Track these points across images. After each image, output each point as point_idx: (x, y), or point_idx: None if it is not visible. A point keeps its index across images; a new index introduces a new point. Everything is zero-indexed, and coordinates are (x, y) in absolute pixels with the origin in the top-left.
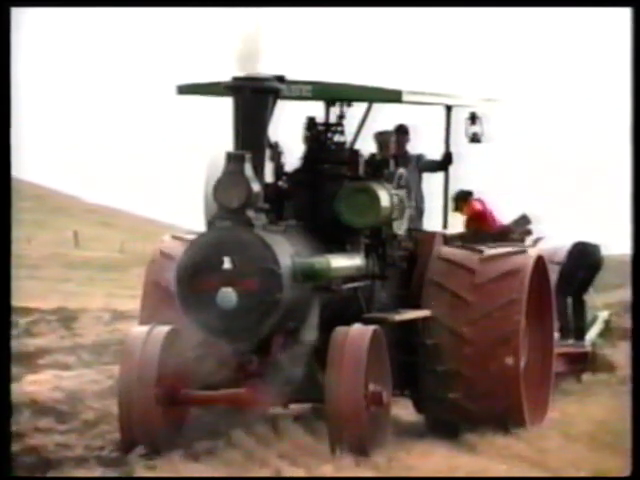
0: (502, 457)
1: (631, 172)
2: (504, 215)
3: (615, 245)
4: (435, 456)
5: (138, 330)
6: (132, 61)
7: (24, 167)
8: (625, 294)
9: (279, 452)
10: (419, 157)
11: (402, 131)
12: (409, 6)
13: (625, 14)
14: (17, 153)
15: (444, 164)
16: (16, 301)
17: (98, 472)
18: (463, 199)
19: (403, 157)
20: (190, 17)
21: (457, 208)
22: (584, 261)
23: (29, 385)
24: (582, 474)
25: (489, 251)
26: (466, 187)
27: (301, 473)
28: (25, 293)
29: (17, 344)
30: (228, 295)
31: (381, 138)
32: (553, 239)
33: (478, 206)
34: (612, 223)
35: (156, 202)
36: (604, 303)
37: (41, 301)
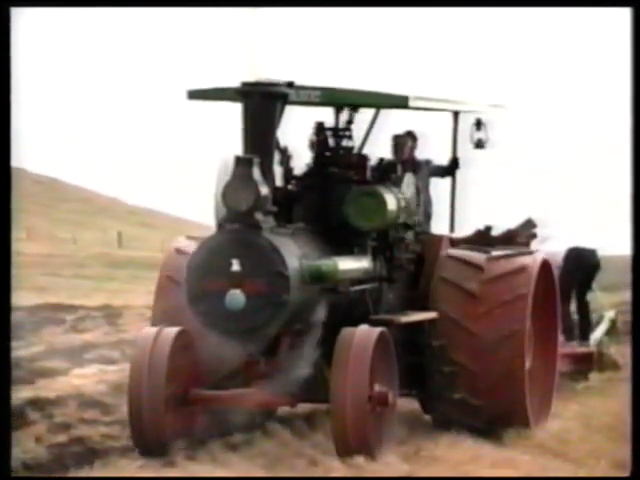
0: (526, 447)
1: (631, 172)
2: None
3: (623, 246)
4: (461, 447)
5: (148, 331)
6: (149, 62)
7: (70, 171)
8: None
9: (313, 442)
10: (427, 162)
11: (411, 137)
12: (412, 6)
13: (625, 14)
14: (63, 159)
15: (451, 169)
16: (63, 299)
17: (141, 462)
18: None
19: (413, 162)
20: (203, 20)
21: None
22: (580, 265)
23: (75, 378)
24: (602, 464)
25: (496, 252)
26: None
27: (335, 463)
28: (71, 291)
29: (64, 339)
30: (236, 296)
31: (398, 140)
32: (558, 240)
33: None
34: (619, 224)
35: (194, 203)
36: (611, 302)
37: (87, 299)
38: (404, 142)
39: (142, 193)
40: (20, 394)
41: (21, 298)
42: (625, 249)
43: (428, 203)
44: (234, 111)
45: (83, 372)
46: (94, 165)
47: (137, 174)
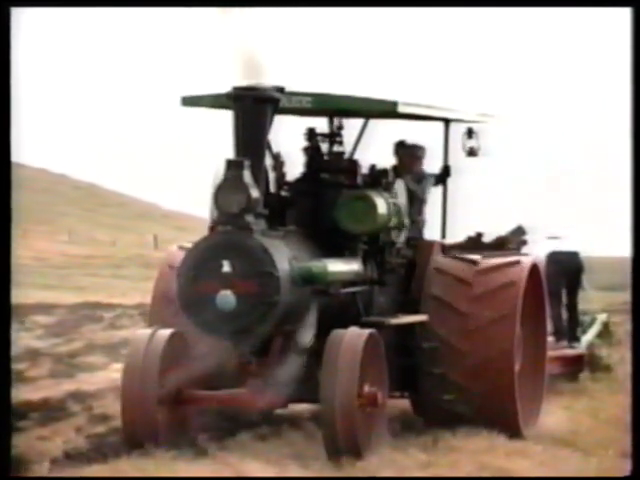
0: (538, 438)
1: (631, 172)
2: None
3: (617, 248)
4: (477, 437)
5: (141, 332)
6: (159, 61)
7: (109, 178)
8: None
9: None
10: (424, 173)
11: (420, 149)
12: (410, 5)
13: (625, 14)
14: (102, 166)
15: (442, 177)
16: (102, 298)
17: (174, 451)
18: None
19: (419, 173)
20: (205, 20)
21: None
22: (561, 269)
23: (114, 372)
24: (610, 453)
25: (484, 263)
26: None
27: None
28: (110, 290)
29: (103, 336)
30: (227, 297)
31: (415, 151)
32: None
33: None
34: (613, 226)
35: None
36: (604, 304)
37: (124, 297)
38: (420, 153)
39: (177, 198)
40: (61, 387)
41: (63, 297)
42: (618, 251)
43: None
44: None
45: (121, 367)
46: (133, 172)
47: (173, 180)
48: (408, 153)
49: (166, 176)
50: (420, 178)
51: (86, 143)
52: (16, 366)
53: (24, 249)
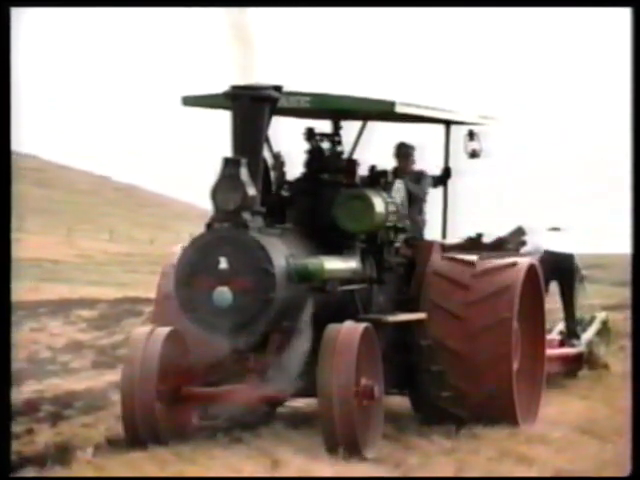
0: (556, 425)
1: (631, 173)
2: (502, 228)
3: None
4: (499, 425)
5: (141, 330)
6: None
7: (148, 180)
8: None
9: None
10: (421, 173)
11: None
12: (409, 5)
13: (625, 14)
14: (142, 168)
15: (443, 179)
16: (141, 293)
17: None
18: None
19: (415, 173)
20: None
21: None
22: (555, 269)
23: None
24: (624, 440)
25: (482, 265)
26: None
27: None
28: (148, 286)
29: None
30: (224, 294)
31: (405, 150)
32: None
33: None
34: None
35: None
36: (620, 299)
37: None
38: (411, 152)
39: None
40: (104, 378)
41: (104, 292)
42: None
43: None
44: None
45: None
46: (170, 173)
47: (208, 182)
48: (400, 153)
49: (202, 178)
50: (418, 178)
51: (127, 146)
52: (61, 357)
53: (68, 248)
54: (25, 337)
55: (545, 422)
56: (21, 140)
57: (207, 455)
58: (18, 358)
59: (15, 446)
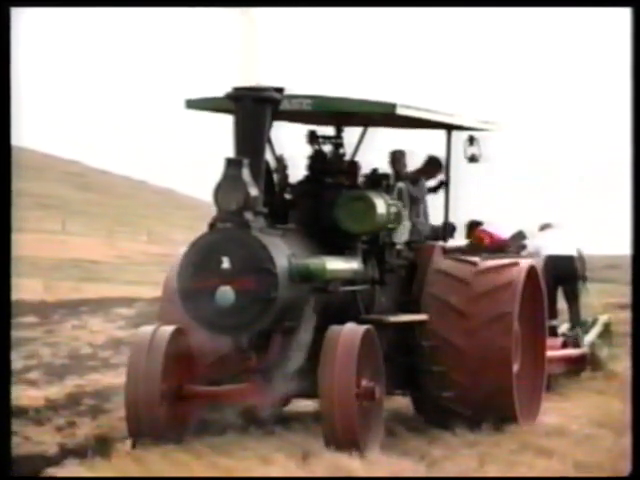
0: (575, 418)
1: (631, 173)
2: (504, 232)
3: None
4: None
5: (145, 329)
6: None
7: (185, 184)
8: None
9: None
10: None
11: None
12: (409, 5)
13: (625, 14)
14: (178, 173)
15: (438, 189)
16: None
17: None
18: (473, 228)
19: (408, 176)
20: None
21: (469, 236)
22: (557, 273)
23: None
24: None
25: (483, 264)
26: (473, 213)
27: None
28: None
29: None
30: (226, 293)
31: (395, 155)
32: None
33: (484, 234)
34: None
35: None
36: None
37: None
38: (400, 156)
39: None
40: None
41: (142, 291)
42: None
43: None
44: None
45: None
46: (205, 178)
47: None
48: (391, 159)
49: None
50: (416, 180)
51: (163, 152)
52: (101, 354)
53: (108, 249)
54: (67, 334)
55: (563, 416)
56: (64, 146)
57: (240, 446)
58: (60, 354)
59: (57, 438)
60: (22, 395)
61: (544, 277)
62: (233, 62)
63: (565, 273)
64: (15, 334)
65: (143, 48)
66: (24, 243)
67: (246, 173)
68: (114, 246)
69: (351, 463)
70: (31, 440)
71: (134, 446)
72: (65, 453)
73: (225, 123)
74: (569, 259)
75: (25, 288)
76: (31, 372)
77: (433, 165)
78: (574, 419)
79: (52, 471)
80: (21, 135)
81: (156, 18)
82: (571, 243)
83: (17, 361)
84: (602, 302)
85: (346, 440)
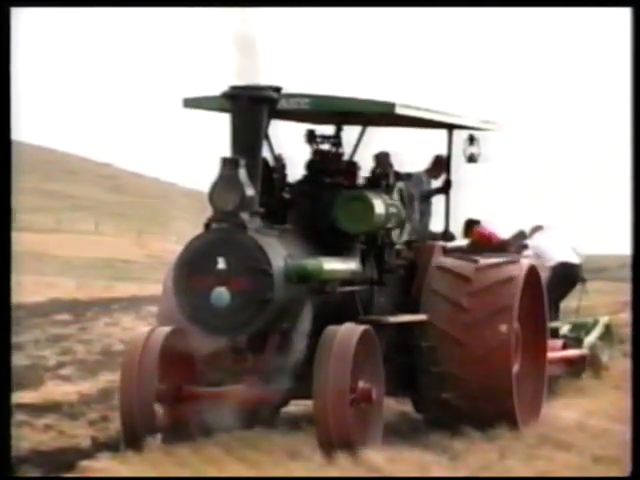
0: (590, 413)
1: (631, 173)
2: (504, 232)
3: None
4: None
5: (140, 330)
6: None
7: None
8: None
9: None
10: (418, 177)
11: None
12: (409, 5)
13: (625, 14)
14: (207, 175)
15: (444, 190)
16: None
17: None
18: (471, 226)
19: (399, 176)
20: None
21: (466, 234)
22: (566, 280)
23: None
24: None
25: (484, 261)
26: (473, 213)
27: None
28: None
29: None
30: (222, 294)
31: (379, 158)
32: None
33: (484, 232)
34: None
35: None
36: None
37: None
38: (383, 158)
39: None
40: None
41: None
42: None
43: (426, 214)
44: None
45: None
46: None
47: None
48: (377, 162)
49: None
50: (415, 182)
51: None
52: None
53: (139, 249)
54: (100, 331)
55: (580, 411)
56: (97, 149)
57: (269, 440)
58: (93, 351)
59: (90, 432)
60: (56, 390)
61: (553, 281)
62: (231, 61)
63: (575, 280)
64: (50, 331)
65: (152, 48)
66: (58, 243)
67: (242, 173)
68: (145, 246)
69: (375, 457)
70: (65, 434)
71: (164, 440)
72: (98, 446)
73: None
74: (579, 267)
75: (59, 287)
76: (65, 368)
77: (440, 165)
78: (591, 414)
79: (85, 464)
80: (58, 139)
81: (156, 18)
82: (575, 248)
83: (51, 357)
84: (618, 300)
85: (339, 442)
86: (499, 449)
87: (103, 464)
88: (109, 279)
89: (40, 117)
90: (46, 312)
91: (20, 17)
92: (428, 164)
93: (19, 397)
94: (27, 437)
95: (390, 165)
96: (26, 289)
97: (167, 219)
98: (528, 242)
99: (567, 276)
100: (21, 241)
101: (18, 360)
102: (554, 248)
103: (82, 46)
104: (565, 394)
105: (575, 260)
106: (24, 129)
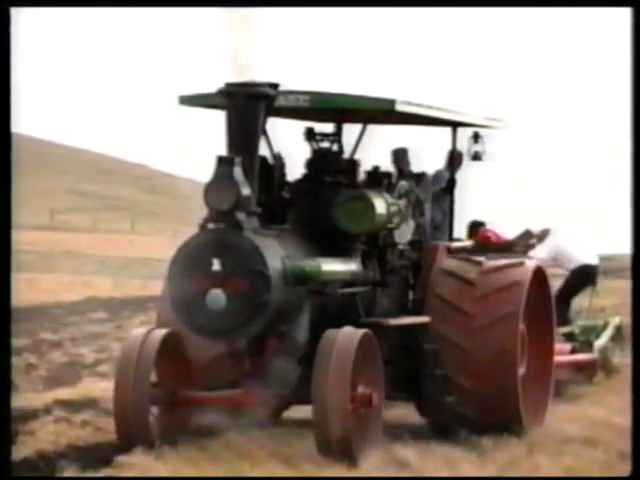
0: (617, 410)
1: (631, 173)
2: (510, 232)
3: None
4: (564, 410)
5: (136, 333)
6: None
7: None
8: None
9: None
10: (424, 175)
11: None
12: (410, 5)
13: (625, 14)
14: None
15: (448, 189)
16: None
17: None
18: (476, 228)
19: (412, 174)
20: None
21: (471, 235)
22: (585, 281)
23: None
24: None
25: (489, 263)
26: (477, 214)
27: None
28: None
29: None
30: (217, 296)
31: (397, 154)
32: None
33: (488, 234)
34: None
35: None
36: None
37: None
38: (402, 155)
39: None
40: None
41: None
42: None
43: (435, 214)
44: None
45: None
46: None
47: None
48: (394, 158)
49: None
50: (419, 180)
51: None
52: None
53: (174, 248)
54: (135, 329)
55: (607, 408)
56: (132, 150)
57: (285, 442)
58: None
59: None
60: (93, 387)
61: (572, 283)
62: (227, 58)
63: (594, 281)
64: (87, 329)
65: (155, 48)
66: (95, 243)
67: (238, 172)
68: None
69: (406, 452)
70: (102, 429)
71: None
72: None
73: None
74: (597, 268)
75: (96, 285)
76: (102, 365)
77: (457, 159)
78: (618, 410)
79: (121, 459)
80: (93, 142)
81: (155, 18)
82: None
83: (88, 355)
84: (628, 301)
85: (339, 448)
86: (527, 445)
87: (138, 459)
88: (144, 278)
89: (74, 118)
90: (83, 310)
91: (20, 17)
92: (446, 160)
93: (57, 394)
94: (65, 433)
95: (408, 162)
96: (63, 288)
97: (200, 219)
98: (548, 243)
99: (587, 277)
100: (58, 241)
101: (56, 357)
102: (577, 250)
103: (98, 46)
104: (589, 394)
105: (595, 262)
106: (57, 130)
